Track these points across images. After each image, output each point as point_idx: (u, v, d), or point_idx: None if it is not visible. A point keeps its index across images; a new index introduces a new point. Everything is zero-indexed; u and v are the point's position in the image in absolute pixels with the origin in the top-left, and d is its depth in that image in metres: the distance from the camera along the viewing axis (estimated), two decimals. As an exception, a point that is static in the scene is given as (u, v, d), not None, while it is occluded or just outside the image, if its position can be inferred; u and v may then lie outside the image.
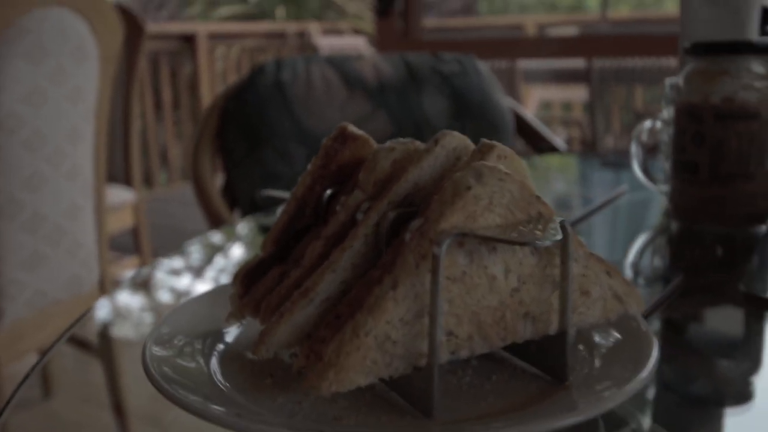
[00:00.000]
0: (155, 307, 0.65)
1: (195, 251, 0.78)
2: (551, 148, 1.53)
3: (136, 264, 2.13)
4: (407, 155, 0.40)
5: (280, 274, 0.41)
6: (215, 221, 1.24)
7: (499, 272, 0.36)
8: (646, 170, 0.83)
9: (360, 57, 1.51)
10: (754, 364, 0.48)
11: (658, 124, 0.82)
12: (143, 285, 0.70)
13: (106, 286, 1.48)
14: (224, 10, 7.86)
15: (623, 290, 0.39)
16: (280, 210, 0.45)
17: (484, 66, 1.56)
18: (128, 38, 1.91)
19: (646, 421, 0.41)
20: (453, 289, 0.35)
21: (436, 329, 0.34)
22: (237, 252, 0.83)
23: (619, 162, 1.23)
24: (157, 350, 0.39)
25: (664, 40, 2.20)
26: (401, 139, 0.41)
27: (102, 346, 0.60)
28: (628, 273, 0.65)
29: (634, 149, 0.83)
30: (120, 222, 1.97)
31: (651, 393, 0.43)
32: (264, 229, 0.86)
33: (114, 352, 0.59)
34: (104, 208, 1.48)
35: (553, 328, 0.38)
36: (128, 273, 2.17)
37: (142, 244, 2.08)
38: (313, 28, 5.28)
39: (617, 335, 0.41)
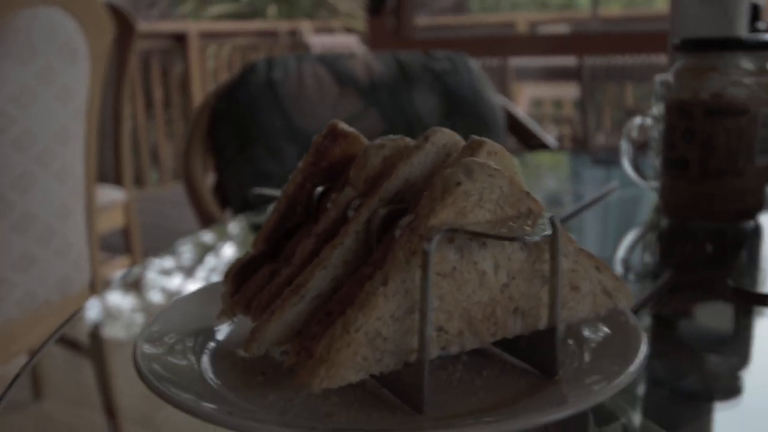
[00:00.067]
0: (146, 307, 0.65)
1: (186, 251, 0.78)
2: (542, 146, 1.54)
3: (127, 264, 2.12)
4: (397, 152, 0.40)
5: (271, 271, 0.41)
6: (206, 220, 1.23)
7: (489, 268, 0.36)
8: (636, 167, 0.84)
9: (352, 55, 1.51)
10: (743, 359, 0.49)
11: (649, 121, 0.83)
12: (134, 285, 0.70)
13: (97, 287, 1.47)
14: (215, 9, 7.84)
15: (612, 285, 0.40)
16: (271, 208, 0.45)
17: (475, 64, 1.56)
18: (119, 37, 1.90)
19: (636, 416, 0.41)
20: (443, 285, 0.35)
21: (427, 325, 0.34)
22: (228, 251, 0.83)
23: (609, 159, 1.23)
24: (147, 348, 0.39)
25: (654, 37, 2.21)
26: (392, 136, 0.41)
27: (93, 347, 0.59)
28: (619, 269, 0.65)
29: (625, 146, 0.83)
30: (111, 222, 1.96)
31: (641, 388, 0.43)
32: (255, 228, 0.86)
33: (105, 352, 0.59)
34: (95, 208, 1.47)
35: (542, 324, 0.38)
36: (119, 273, 2.16)
37: (133, 244, 2.08)
38: (305, 26, 5.27)
39: (606, 330, 0.41)
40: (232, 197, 1.32)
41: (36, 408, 0.49)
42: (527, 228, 0.35)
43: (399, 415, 0.35)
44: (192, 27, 4.50)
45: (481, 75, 1.55)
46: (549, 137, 1.60)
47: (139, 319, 0.63)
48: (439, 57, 1.53)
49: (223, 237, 0.88)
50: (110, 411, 0.49)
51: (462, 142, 0.40)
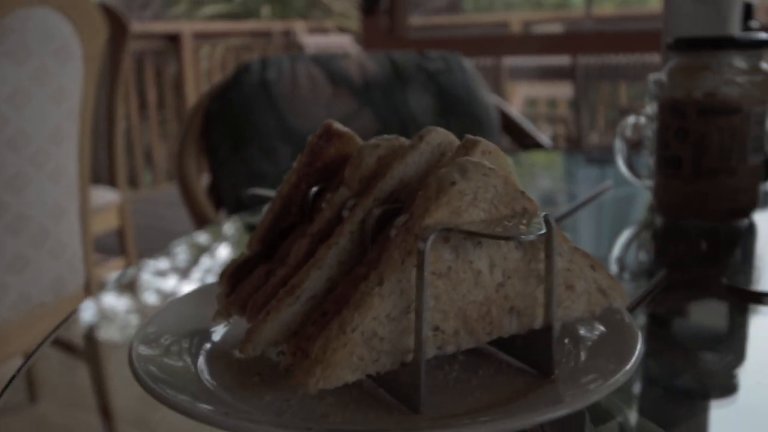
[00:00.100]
0: (141, 309, 0.65)
1: (181, 252, 0.78)
2: (536, 145, 1.54)
3: (122, 265, 2.12)
4: (392, 152, 0.40)
5: (266, 272, 0.41)
6: (201, 221, 1.23)
7: (484, 267, 0.36)
8: (630, 166, 0.84)
9: (346, 55, 1.51)
10: (738, 357, 0.49)
11: (642, 120, 0.83)
12: (129, 286, 0.70)
13: (92, 288, 1.47)
14: (209, 9, 7.83)
15: (607, 284, 0.40)
16: (265, 208, 0.45)
17: (469, 63, 1.56)
18: (112, 38, 1.90)
19: (632, 415, 0.42)
20: (439, 285, 0.35)
21: (423, 325, 0.34)
22: (223, 252, 0.83)
23: (603, 158, 1.23)
24: (143, 350, 0.39)
25: (648, 36, 2.21)
26: (386, 136, 0.41)
27: (88, 349, 0.59)
28: (613, 268, 0.65)
29: (619, 145, 0.83)
30: (105, 223, 1.96)
31: (636, 387, 0.43)
32: (250, 228, 0.86)
33: (100, 354, 0.59)
34: (89, 209, 1.46)
35: (538, 323, 0.38)
36: (114, 274, 2.16)
37: (128, 246, 2.07)
38: (299, 26, 5.27)
39: (602, 329, 0.41)
40: (227, 198, 1.32)
41: (31, 410, 0.49)
42: (522, 227, 0.35)
43: (395, 415, 0.35)
44: (185, 27, 4.49)
45: (475, 74, 1.56)
46: (543, 136, 1.60)
47: (134, 320, 0.62)
48: (433, 57, 1.53)
49: (218, 238, 0.88)
50: (105, 412, 0.48)
51: (456, 142, 0.40)
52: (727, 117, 0.70)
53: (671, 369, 0.47)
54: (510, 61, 4.08)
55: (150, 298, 0.68)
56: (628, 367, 0.36)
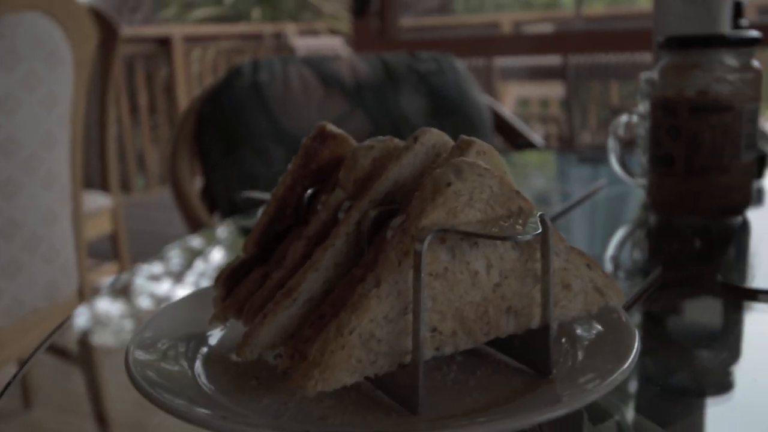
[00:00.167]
0: (135, 314, 0.65)
1: (174, 256, 0.78)
2: (529, 145, 1.54)
3: (115, 270, 2.11)
4: (387, 153, 0.40)
5: (262, 275, 0.41)
6: (195, 225, 1.23)
7: (481, 267, 0.36)
8: (623, 164, 0.84)
9: (337, 57, 1.51)
10: (734, 354, 0.49)
11: (635, 119, 0.83)
12: (123, 291, 0.69)
13: (85, 293, 1.46)
14: (199, 12, 7.81)
15: (604, 283, 0.40)
16: (260, 211, 0.45)
17: (461, 64, 1.56)
18: (103, 42, 1.89)
19: (630, 413, 0.42)
20: (436, 286, 0.35)
21: (420, 326, 0.34)
22: (217, 255, 0.83)
23: (596, 157, 1.24)
24: (140, 354, 0.39)
25: (638, 35, 2.22)
26: (380, 137, 0.41)
27: (82, 354, 0.59)
28: (608, 266, 0.65)
29: (612, 144, 0.83)
30: (98, 228, 1.95)
31: (632, 385, 0.44)
32: (244, 231, 0.86)
33: (94, 359, 0.59)
34: (81, 214, 1.46)
35: (535, 322, 0.38)
36: (107, 279, 2.15)
37: (121, 250, 2.06)
38: (290, 29, 5.26)
39: (599, 328, 0.41)
40: (220, 201, 1.31)
41: (26, 416, 0.48)
42: (518, 227, 0.35)
43: (394, 417, 0.35)
44: (176, 31, 4.48)
45: (467, 75, 1.56)
46: (536, 136, 1.60)
47: (129, 325, 0.62)
48: (425, 58, 1.54)
49: (212, 241, 0.88)
50: (101, 418, 0.48)
51: (451, 143, 0.41)
52: (719, 115, 0.70)
53: (667, 367, 0.47)
54: (501, 61, 4.10)
55: (144, 303, 0.67)
56: (625, 366, 0.36)
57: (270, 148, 1.31)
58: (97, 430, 0.46)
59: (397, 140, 0.41)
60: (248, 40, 5.01)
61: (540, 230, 0.35)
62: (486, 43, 2.79)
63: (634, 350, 0.37)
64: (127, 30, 3.78)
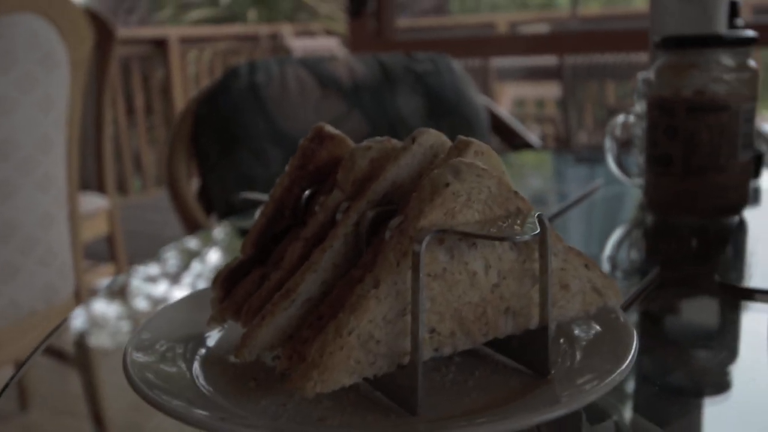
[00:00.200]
0: (132, 315, 0.65)
1: (171, 257, 0.78)
2: (526, 145, 1.54)
3: (112, 272, 2.11)
4: (384, 154, 0.40)
5: (260, 276, 0.41)
6: (192, 226, 1.23)
7: (479, 268, 0.36)
8: (620, 164, 0.84)
9: (334, 58, 1.51)
10: (731, 353, 0.49)
11: (631, 119, 0.83)
12: (119, 293, 0.69)
13: (82, 295, 1.46)
14: (195, 14, 7.80)
15: (602, 283, 0.40)
16: (258, 212, 0.45)
17: (457, 64, 1.56)
18: (99, 44, 1.89)
19: (627, 413, 0.42)
20: (434, 286, 0.35)
21: (419, 326, 0.34)
22: (214, 257, 0.83)
23: (592, 157, 1.24)
24: (138, 356, 0.39)
25: (634, 35, 2.22)
26: (378, 138, 0.41)
27: (79, 356, 0.59)
28: (605, 266, 0.65)
29: (609, 144, 0.84)
30: (94, 230, 1.95)
31: (630, 384, 0.44)
32: (242, 233, 0.86)
33: (91, 361, 0.58)
34: (78, 216, 1.46)
35: (534, 323, 0.38)
36: (104, 281, 2.15)
37: (118, 252, 2.06)
38: (286, 30, 5.26)
39: (597, 328, 0.41)
40: (217, 202, 1.31)
41: (23, 419, 0.48)
42: (516, 227, 0.35)
43: (393, 418, 0.35)
44: (172, 32, 4.48)
45: (464, 75, 1.56)
46: (532, 136, 1.60)
47: (125, 327, 0.62)
48: (421, 58, 1.54)
49: (209, 243, 0.88)
50: (98, 420, 0.48)
51: (449, 143, 0.40)
52: (716, 114, 0.70)
53: (664, 366, 0.47)
54: (497, 61, 4.10)
55: (141, 305, 0.67)
56: (624, 366, 0.36)
57: (267, 149, 1.31)
58: (94, 431, 0.46)
59: (395, 141, 0.41)
60: (244, 41, 5.01)
61: (538, 230, 0.35)
62: (482, 44, 2.79)
63: (633, 350, 0.37)
64: (123, 31, 3.77)
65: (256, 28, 5.61)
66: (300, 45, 4.91)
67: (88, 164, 2.07)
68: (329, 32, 6.01)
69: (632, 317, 0.53)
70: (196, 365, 0.40)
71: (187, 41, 4.54)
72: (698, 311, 0.57)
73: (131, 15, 7.93)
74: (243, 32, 5.28)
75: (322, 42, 5.26)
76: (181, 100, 4.30)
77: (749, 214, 0.76)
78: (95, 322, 0.62)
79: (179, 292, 0.67)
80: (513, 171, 1.15)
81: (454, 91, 1.50)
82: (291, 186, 0.43)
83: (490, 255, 0.36)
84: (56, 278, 1.36)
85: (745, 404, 0.41)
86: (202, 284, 0.69)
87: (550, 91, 4.35)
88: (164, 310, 0.46)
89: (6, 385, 0.47)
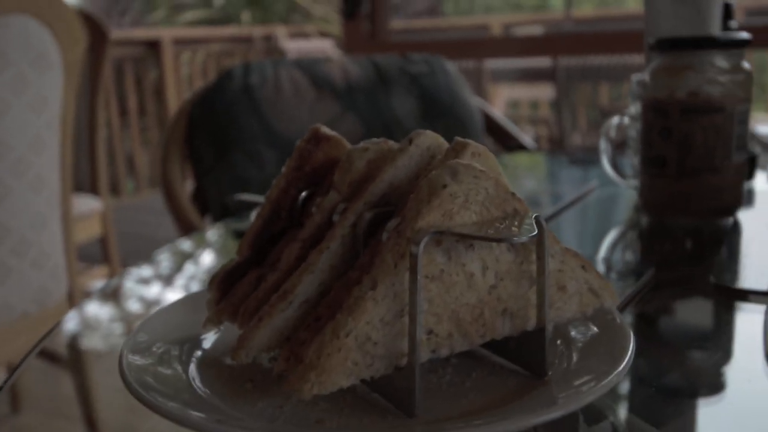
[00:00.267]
0: (126, 317, 0.64)
1: (165, 259, 0.77)
2: (520, 147, 1.55)
3: (105, 274, 2.10)
4: (381, 155, 0.40)
5: (257, 277, 0.41)
6: (186, 228, 1.22)
7: (476, 269, 0.36)
8: (615, 166, 0.84)
9: (328, 59, 1.51)
10: (726, 354, 0.49)
11: (626, 120, 0.83)
12: (113, 295, 0.69)
13: (75, 297, 1.45)
14: (189, 15, 7.79)
15: (598, 284, 0.40)
16: (253, 214, 0.44)
17: (452, 66, 1.57)
18: (92, 45, 1.88)
19: (623, 413, 0.42)
20: (432, 288, 0.35)
21: (416, 328, 0.34)
22: (207, 259, 0.82)
23: (587, 159, 1.24)
24: (134, 358, 0.39)
25: (627, 37, 2.23)
26: (374, 140, 0.41)
27: (72, 359, 0.58)
28: (601, 268, 0.66)
29: (603, 145, 0.84)
30: (87, 231, 1.94)
31: (626, 385, 0.44)
32: (237, 234, 0.86)
33: (85, 364, 0.58)
34: (71, 217, 1.45)
35: (531, 324, 0.38)
36: (97, 283, 2.14)
37: (111, 254, 2.05)
38: (280, 31, 5.25)
39: (594, 329, 0.41)
40: (212, 204, 1.31)
41: (15, 422, 0.48)
42: (514, 229, 0.35)
43: (390, 420, 0.35)
44: (165, 34, 4.47)
45: (458, 77, 1.56)
46: (526, 138, 1.60)
47: (119, 329, 0.62)
48: (416, 60, 1.54)
49: (202, 245, 0.88)
50: (91, 423, 0.48)
51: (445, 145, 0.40)
52: (710, 116, 0.70)
53: (660, 367, 0.47)
54: (491, 63, 4.11)
55: (134, 307, 0.67)
56: (620, 368, 0.36)
57: (262, 150, 1.31)
58: (88, 434, 0.46)
59: (391, 142, 0.41)
60: (238, 42, 5.00)
61: (536, 232, 0.35)
62: (476, 45, 2.79)
63: (629, 352, 0.37)
64: (116, 33, 3.77)
65: (250, 29, 5.61)
66: (294, 47, 4.91)
67: (81, 166, 2.06)
68: (323, 34, 6.01)
69: (628, 318, 0.53)
70: (192, 367, 0.40)
71: (180, 43, 4.53)
72: (693, 312, 0.57)
73: (124, 16, 7.92)
74: (237, 34, 5.28)
75: (316, 44, 5.26)
76: (174, 101, 4.29)
77: (743, 216, 0.76)
78: (88, 325, 0.62)
79: (173, 295, 0.67)
80: (507, 173, 1.15)
81: (449, 92, 1.50)
82: (287, 187, 0.43)
83: (487, 256, 0.36)
84: (49, 280, 1.36)
85: (740, 405, 0.42)
86: (196, 286, 0.68)
87: (544, 92, 4.37)
88: (160, 312, 0.45)
89: None
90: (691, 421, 0.41)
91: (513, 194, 0.37)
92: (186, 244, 0.86)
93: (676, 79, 0.71)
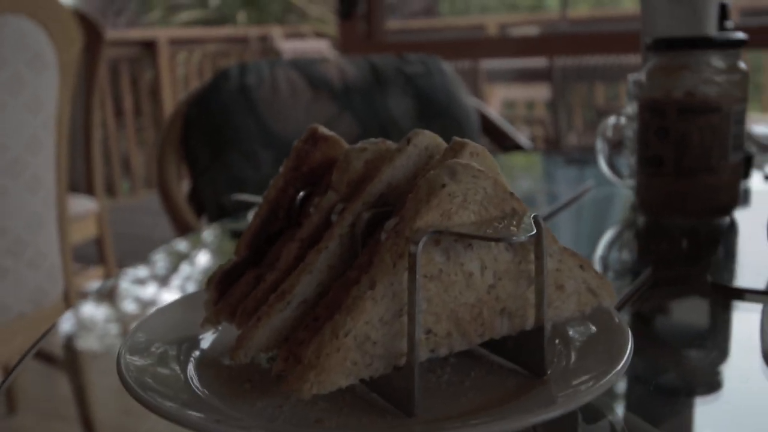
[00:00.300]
0: (122, 318, 0.64)
1: (160, 260, 0.77)
2: (516, 147, 1.55)
3: (101, 274, 2.10)
4: (379, 155, 0.40)
5: (255, 277, 0.41)
6: (182, 229, 1.22)
7: (475, 269, 0.36)
8: (611, 166, 0.84)
9: (325, 59, 1.51)
10: (723, 353, 0.49)
11: (623, 120, 0.83)
12: (109, 296, 0.69)
13: (71, 298, 1.45)
14: (184, 15, 7.78)
15: (596, 284, 0.40)
16: (250, 214, 0.44)
17: (448, 66, 1.57)
18: (87, 45, 1.88)
19: (621, 412, 0.42)
20: (430, 287, 0.35)
21: (415, 328, 0.34)
22: (203, 259, 0.82)
23: (583, 159, 1.24)
24: (132, 359, 0.39)
25: (623, 37, 2.24)
26: (372, 139, 0.41)
27: (68, 360, 0.58)
28: (598, 267, 0.66)
29: (600, 145, 0.84)
30: (83, 232, 1.94)
31: (624, 384, 0.44)
32: (234, 235, 0.85)
33: (81, 365, 0.58)
34: (67, 218, 1.45)
35: (529, 323, 0.38)
36: (93, 283, 2.13)
37: (107, 254, 2.05)
38: (276, 32, 5.25)
39: (592, 328, 0.41)
40: (208, 204, 1.31)
41: (11, 424, 0.48)
42: (512, 228, 0.35)
43: (389, 419, 0.35)
44: (161, 34, 4.46)
45: (455, 77, 1.56)
46: (523, 138, 1.61)
47: (115, 330, 0.62)
48: (412, 60, 1.54)
49: (198, 245, 0.88)
50: (87, 423, 0.48)
51: (444, 144, 0.40)
52: (707, 116, 0.70)
53: (657, 366, 0.47)
54: (487, 63, 4.11)
55: (130, 308, 0.67)
56: (619, 367, 0.36)
57: (258, 151, 1.31)
58: (84, 435, 0.46)
59: (389, 142, 0.41)
60: (234, 43, 5.00)
61: (534, 231, 0.35)
62: (472, 46, 2.80)
63: (628, 351, 0.37)
64: (112, 33, 3.76)
65: (245, 30, 5.60)
66: (290, 47, 4.90)
67: (77, 166, 2.06)
68: (319, 34, 6.00)
69: (625, 317, 0.53)
70: (190, 367, 0.40)
71: (176, 43, 4.52)
72: (690, 311, 0.57)
73: (120, 16, 7.90)
74: (232, 34, 5.27)
75: (312, 44, 5.26)
76: (170, 102, 4.29)
77: (739, 215, 0.77)
78: (84, 326, 0.62)
79: (169, 295, 0.66)
80: (503, 173, 1.15)
81: (445, 92, 1.50)
82: (285, 187, 0.43)
83: (486, 256, 0.36)
84: (45, 280, 1.36)
85: (737, 403, 0.42)
86: (192, 287, 0.68)
87: (540, 92, 4.37)
88: (158, 312, 0.45)
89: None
90: (689, 420, 0.41)
91: (511, 194, 0.37)
92: (182, 245, 0.86)
93: (673, 79, 0.71)
